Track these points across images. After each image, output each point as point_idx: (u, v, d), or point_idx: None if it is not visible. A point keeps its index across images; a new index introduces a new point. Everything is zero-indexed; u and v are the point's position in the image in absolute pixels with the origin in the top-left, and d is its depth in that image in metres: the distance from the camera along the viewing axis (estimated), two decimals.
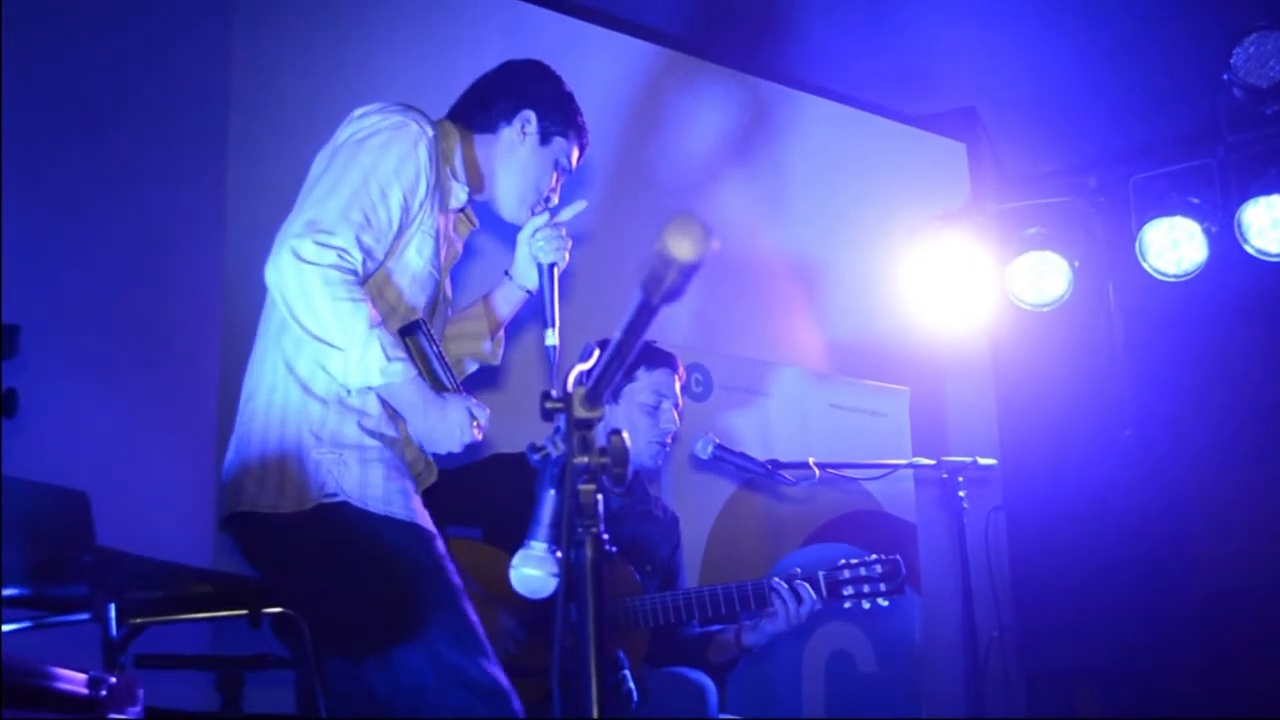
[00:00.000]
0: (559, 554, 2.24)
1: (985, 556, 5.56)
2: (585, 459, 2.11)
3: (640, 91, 5.58)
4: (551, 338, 3.12)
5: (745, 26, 5.88)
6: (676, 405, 4.20)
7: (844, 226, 6.03)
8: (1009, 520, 6.16)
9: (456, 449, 3.01)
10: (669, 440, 4.20)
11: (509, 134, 3.28)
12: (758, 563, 5.13)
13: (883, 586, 4.10)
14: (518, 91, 3.31)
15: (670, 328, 5.22)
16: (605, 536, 2.13)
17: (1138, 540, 6.03)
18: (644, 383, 4.14)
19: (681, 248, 1.66)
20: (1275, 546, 5.91)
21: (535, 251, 3.25)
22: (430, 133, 3.05)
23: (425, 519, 2.98)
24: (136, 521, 3.88)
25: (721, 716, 3.99)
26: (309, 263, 2.80)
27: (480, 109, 3.32)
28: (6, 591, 2.89)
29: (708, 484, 5.14)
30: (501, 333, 3.44)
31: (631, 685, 3.67)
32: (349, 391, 2.92)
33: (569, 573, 2.16)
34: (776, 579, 4.03)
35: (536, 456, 2.30)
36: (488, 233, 3.55)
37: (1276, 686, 5.71)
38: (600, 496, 2.14)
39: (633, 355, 1.97)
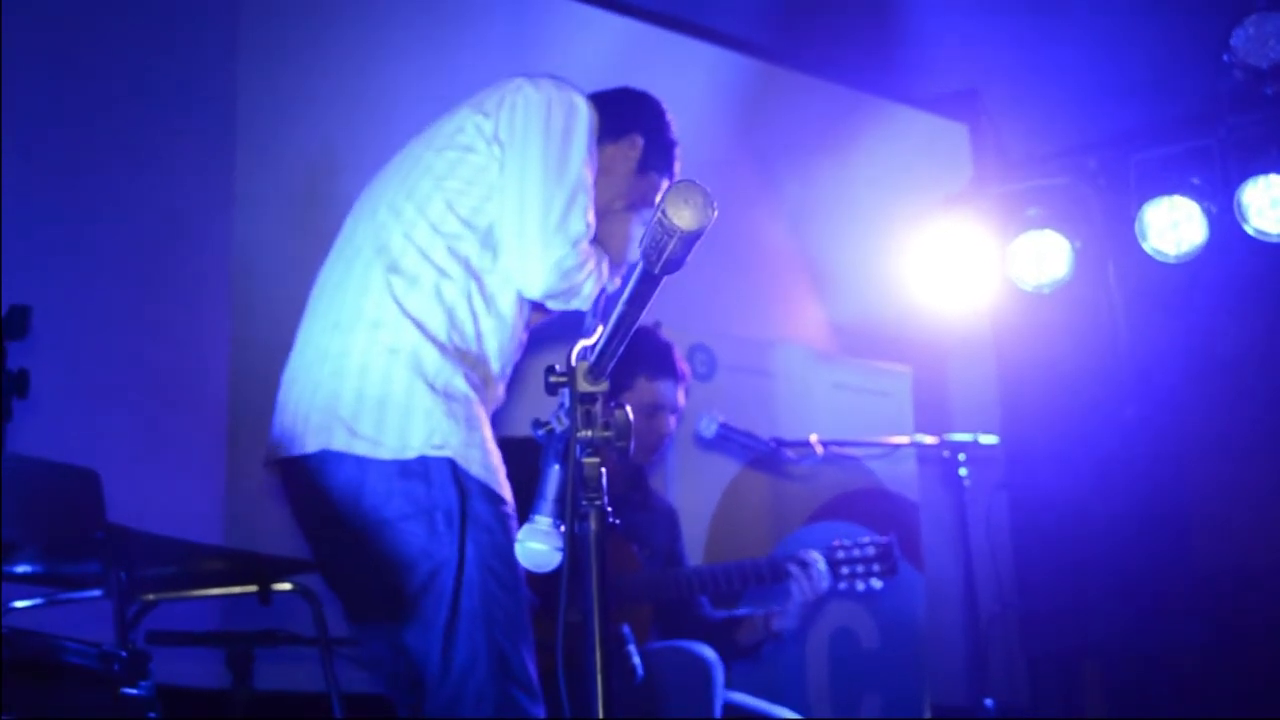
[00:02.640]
0: (564, 528, 2.27)
1: (987, 535, 5.59)
2: (589, 433, 2.15)
3: (639, 73, 5.58)
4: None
5: (746, 8, 5.90)
6: (675, 412, 4.19)
7: (847, 208, 6.05)
8: (1011, 499, 6.19)
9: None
10: (662, 447, 4.20)
11: (613, 150, 3.22)
12: (762, 540, 5.18)
13: (876, 568, 4.12)
14: (632, 115, 3.29)
15: (675, 308, 5.24)
16: (609, 509, 2.17)
17: (1139, 519, 6.06)
18: (647, 387, 4.09)
19: (683, 216, 1.67)
20: (1277, 522, 5.93)
21: None
22: (593, 115, 3.05)
23: (507, 485, 2.90)
24: (148, 499, 3.93)
25: (729, 694, 4.03)
26: (568, 274, 2.90)
27: (599, 114, 3.21)
28: (20, 569, 2.94)
29: (712, 463, 5.17)
30: None
31: (636, 661, 3.72)
32: (477, 337, 2.91)
33: (573, 546, 2.20)
34: (783, 559, 4.06)
35: (541, 431, 2.33)
36: None
37: (1275, 665, 5.74)
38: (604, 470, 2.18)
39: (635, 324, 1.99)
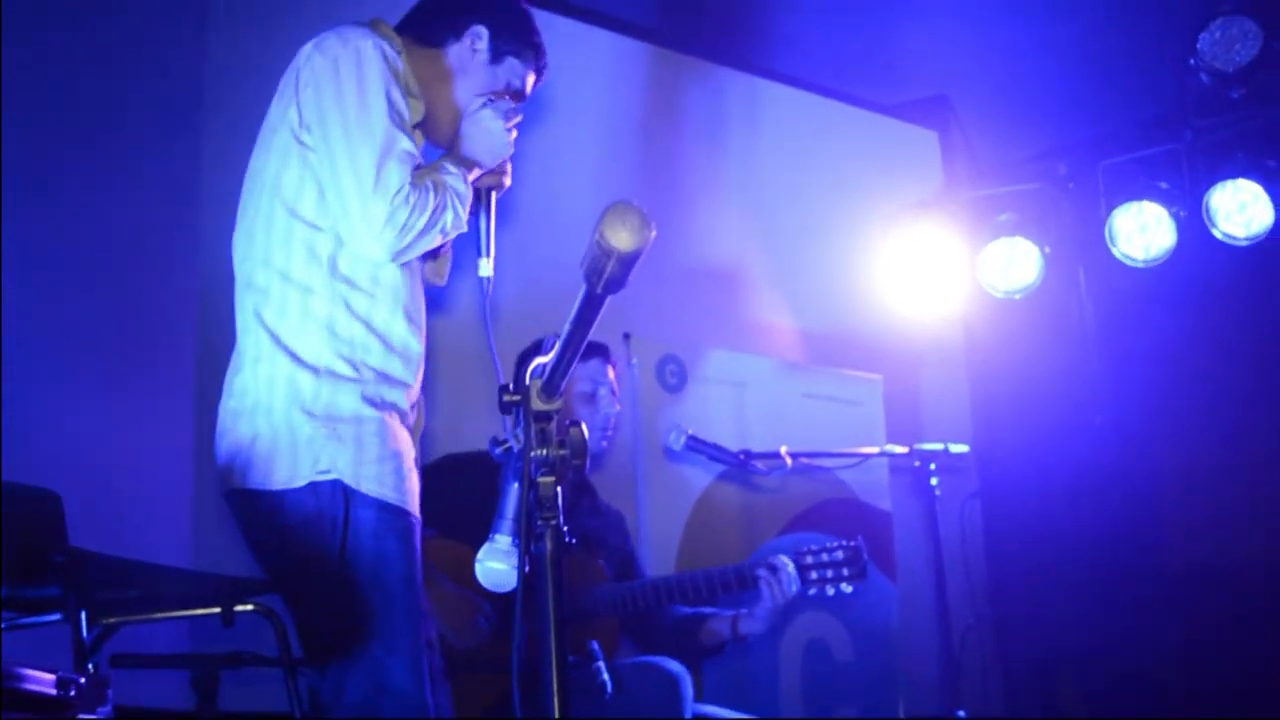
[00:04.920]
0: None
1: (960, 543, 5.60)
2: (544, 451, 2.14)
3: (611, 83, 5.59)
4: (485, 268, 2.95)
5: (716, 16, 5.90)
6: (613, 391, 4.20)
7: (817, 215, 6.05)
8: (984, 507, 6.19)
9: (509, 153, 3.02)
10: (611, 425, 4.21)
11: (457, 50, 3.09)
12: (735, 552, 5.15)
13: (845, 572, 4.12)
14: (469, 4, 3.11)
15: (645, 319, 5.24)
16: (565, 529, 2.16)
17: (1112, 525, 6.07)
18: (578, 373, 4.09)
19: (620, 237, 1.66)
20: (1249, 529, 5.94)
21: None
22: (389, 43, 2.91)
23: (414, 500, 2.86)
24: (113, 520, 3.90)
25: (699, 706, 4.02)
26: (407, 226, 2.78)
27: (427, 21, 3.12)
28: None
29: (683, 475, 5.16)
30: (448, 251, 3.18)
31: (606, 677, 3.70)
32: (347, 359, 2.82)
33: (531, 566, 2.19)
34: (751, 564, 4.06)
35: (498, 450, 2.33)
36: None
37: (1254, 670, 5.74)
38: (560, 489, 2.17)
39: (584, 345, 1.98)
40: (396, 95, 2.86)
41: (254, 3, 4.67)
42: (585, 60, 5.37)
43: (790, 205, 5.99)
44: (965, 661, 5.55)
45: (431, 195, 2.81)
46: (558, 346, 1.98)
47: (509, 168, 3.08)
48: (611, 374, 4.22)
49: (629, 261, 1.70)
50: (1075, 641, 6.08)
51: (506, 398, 2.11)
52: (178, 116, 4.44)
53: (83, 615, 2.79)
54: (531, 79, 3.16)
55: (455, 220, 2.87)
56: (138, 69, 4.40)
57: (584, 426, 2.17)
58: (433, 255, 3.11)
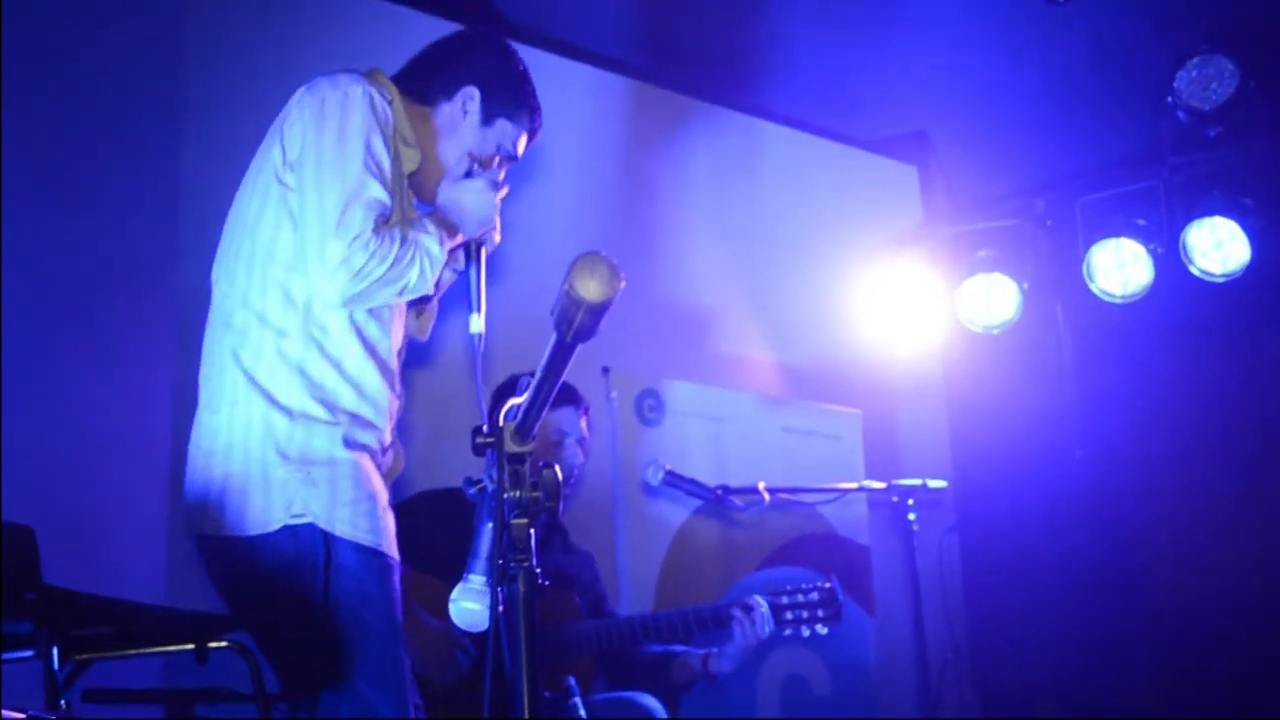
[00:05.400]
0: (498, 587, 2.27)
1: (939, 578, 5.61)
2: (517, 493, 2.15)
3: (594, 117, 5.61)
4: (476, 324, 2.86)
5: (697, 53, 5.92)
6: (582, 442, 4.17)
7: (796, 250, 6.06)
8: (962, 542, 6.20)
9: (493, 225, 2.98)
10: (574, 478, 4.20)
11: (448, 110, 3.07)
12: (713, 587, 5.16)
13: (820, 613, 4.13)
14: (464, 64, 3.09)
15: (623, 353, 5.25)
16: (538, 570, 2.16)
17: (1090, 560, 6.08)
18: (548, 419, 4.06)
19: (589, 288, 1.67)
20: (1228, 563, 5.96)
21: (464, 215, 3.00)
22: (380, 91, 2.91)
23: (390, 541, 2.85)
24: (87, 555, 3.89)
25: None
26: (362, 272, 2.74)
27: (422, 78, 3.10)
28: None
29: (661, 509, 5.16)
30: (432, 307, 3.19)
31: (582, 712, 3.71)
32: (320, 402, 2.81)
33: (505, 608, 2.19)
34: (727, 604, 4.07)
35: (473, 490, 2.33)
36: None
37: (1232, 703, 5.76)
38: (533, 531, 2.18)
39: (555, 391, 2.00)
40: (377, 143, 2.84)
41: (230, 39, 4.67)
42: (568, 95, 5.38)
43: (770, 240, 6.01)
44: (943, 695, 5.54)
45: (395, 247, 2.78)
46: (529, 393, 1.99)
47: (498, 224, 3.04)
48: (583, 424, 4.19)
49: (598, 312, 1.71)
50: (1053, 676, 6.08)
51: (480, 439, 2.12)
52: (156, 146, 4.44)
53: (55, 652, 2.77)
54: (524, 140, 3.15)
55: (420, 279, 2.83)
56: (117, 90, 4.39)
57: (557, 469, 2.17)
58: (418, 309, 3.12)
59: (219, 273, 2.97)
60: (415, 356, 3.50)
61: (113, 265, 4.29)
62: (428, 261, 2.82)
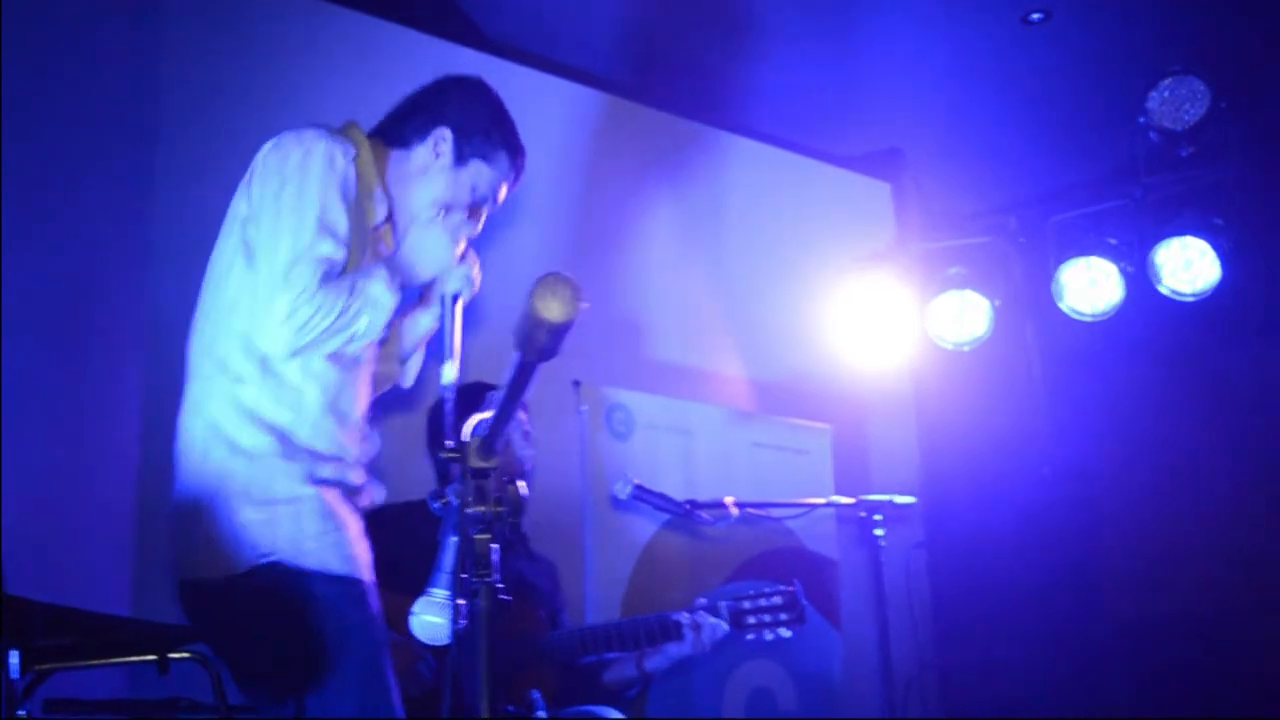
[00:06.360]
0: (460, 601, 2.27)
1: (906, 593, 5.62)
2: (481, 508, 2.15)
3: (568, 132, 5.62)
4: (448, 374, 2.85)
5: (674, 69, 5.93)
6: (526, 435, 4.18)
7: (769, 266, 6.08)
8: (930, 557, 6.22)
9: (449, 267, 3.01)
10: (528, 470, 4.18)
11: (421, 152, 3.09)
12: (680, 601, 5.11)
13: (783, 616, 4.13)
14: (438, 106, 3.12)
15: (593, 367, 5.26)
16: (500, 585, 2.17)
17: (1057, 576, 6.11)
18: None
19: (550, 309, 1.68)
20: (1192, 581, 5.99)
21: (442, 280, 3.04)
22: (343, 148, 2.93)
23: (361, 566, 2.87)
24: (53, 566, 3.87)
25: None
26: (306, 326, 2.78)
27: (398, 121, 3.13)
28: None
29: (629, 523, 5.17)
30: (418, 353, 3.23)
31: None
32: (280, 437, 2.84)
33: (466, 622, 2.19)
34: (682, 611, 4.07)
35: (438, 504, 2.33)
36: None
37: (1196, 716, 5.79)
38: (495, 545, 2.18)
39: (518, 408, 2.00)
40: (333, 200, 2.87)
41: (206, 57, 4.65)
42: (541, 108, 5.38)
43: (743, 255, 6.02)
44: (908, 710, 5.55)
45: (341, 300, 2.81)
46: (494, 412, 1.99)
47: (477, 273, 3.07)
48: (523, 416, 4.20)
49: (559, 332, 1.72)
50: (1019, 690, 6.10)
51: (444, 454, 2.12)
52: (129, 163, 4.42)
53: (15, 661, 2.76)
54: (504, 184, 3.15)
55: (369, 328, 2.87)
56: (92, 108, 4.38)
57: (520, 485, 2.18)
58: (399, 356, 3.18)
59: (194, 330, 3.01)
60: (400, 401, 3.51)
61: (84, 281, 4.28)
62: (375, 311, 2.86)
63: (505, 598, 2.18)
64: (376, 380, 3.19)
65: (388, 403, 3.34)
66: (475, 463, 2.11)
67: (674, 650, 4.06)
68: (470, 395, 2.50)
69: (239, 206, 2.95)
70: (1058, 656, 6.08)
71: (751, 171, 6.21)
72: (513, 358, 1.83)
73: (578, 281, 1.66)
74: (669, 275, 5.75)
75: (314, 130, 2.94)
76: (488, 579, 2.14)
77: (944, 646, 6.19)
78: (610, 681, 4.17)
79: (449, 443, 2.11)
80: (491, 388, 2.53)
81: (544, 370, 4.18)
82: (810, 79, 6.03)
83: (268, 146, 2.95)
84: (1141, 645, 6.05)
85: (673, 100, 6.03)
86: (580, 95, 5.70)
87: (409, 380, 3.26)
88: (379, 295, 2.87)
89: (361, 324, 2.85)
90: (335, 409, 2.92)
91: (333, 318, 2.80)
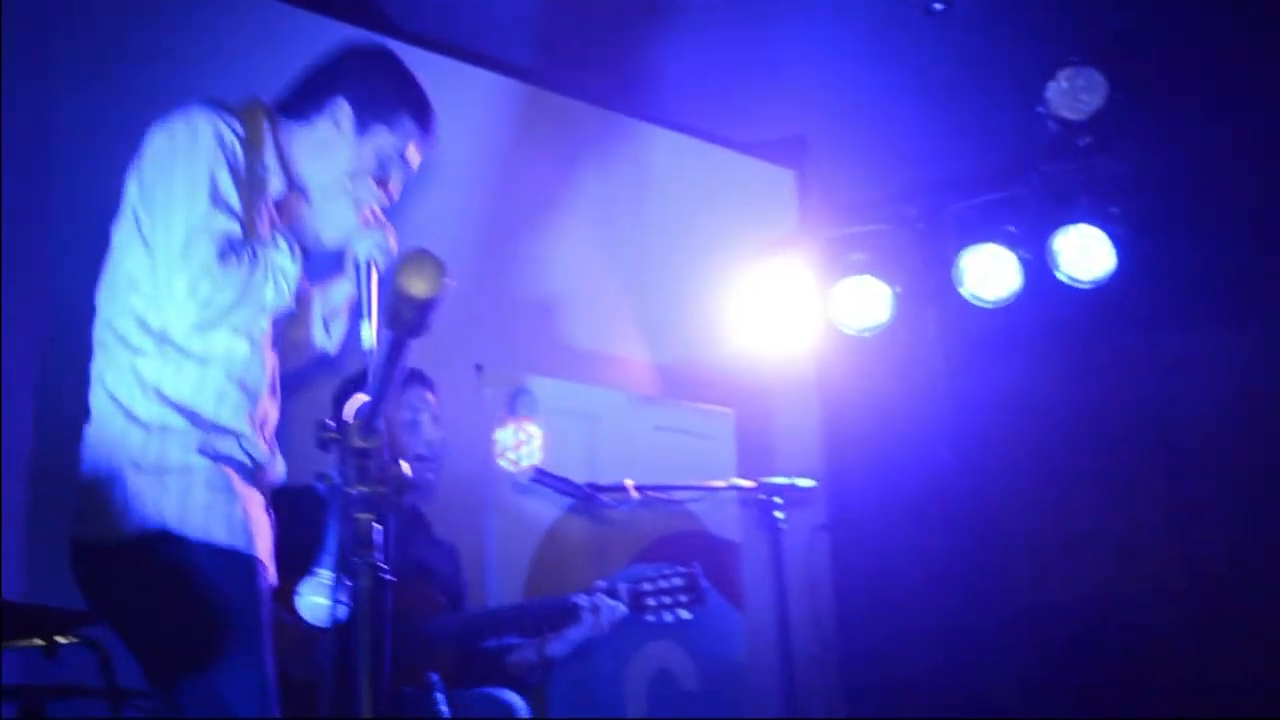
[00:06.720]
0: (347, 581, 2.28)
1: (808, 575, 5.67)
2: (364, 488, 2.16)
3: (473, 116, 5.60)
4: (369, 337, 2.80)
5: (580, 55, 5.93)
6: (435, 418, 4.19)
7: (675, 251, 6.10)
8: (833, 540, 6.28)
9: (353, 234, 3.01)
10: (436, 452, 4.17)
11: (322, 124, 3.08)
12: (582, 584, 5.15)
13: (683, 598, 4.15)
14: (336, 78, 3.10)
15: (497, 350, 5.26)
16: (383, 566, 2.18)
17: (957, 559, 6.19)
18: (399, 403, 4.08)
19: (415, 285, 1.69)
20: (1088, 564, 6.10)
21: (353, 246, 3.02)
22: (227, 121, 2.93)
23: (253, 542, 2.87)
24: None
25: None
26: (208, 300, 2.80)
27: (298, 96, 3.12)
28: None
29: (532, 507, 5.17)
30: (339, 320, 3.24)
31: (444, 708, 3.71)
32: (179, 410, 2.86)
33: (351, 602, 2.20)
34: (580, 594, 4.09)
35: (323, 485, 2.34)
36: None
37: (1094, 699, 5.89)
38: (381, 525, 2.19)
39: (394, 386, 2.01)
40: (223, 175, 2.88)
41: (102, 40, 4.60)
42: (444, 93, 5.34)
43: (647, 240, 6.04)
44: (810, 690, 5.60)
45: (244, 270, 2.83)
46: (371, 389, 2.00)
47: (393, 241, 3.04)
48: (431, 398, 4.20)
49: (425, 308, 1.73)
50: (917, 671, 6.19)
51: (325, 435, 2.13)
52: (26, 151, 4.37)
53: None
54: (411, 144, 3.13)
55: (277, 295, 2.89)
56: None
57: (405, 465, 2.19)
58: (326, 323, 3.21)
59: (98, 298, 3.03)
60: (328, 368, 3.52)
61: None
62: (281, 278, 2.89)
63: (389, 578, 2.19)
64: (296, 349, 3.24)
65: (313, 371, 3.37)
66: (357, 443, 2.11)
67: (574, 634, 4.07)
68: (361, 380, 2.51)
69: (131, 189, 2.97)
70: (957, 637, 6.16)
71: (658, 158, 6.22)
72: (383, 336, 1.84)
73: (442, 259, 1.68)
74: (575, 260, 5.76)
75: (200, 108, 2.95)
76: (370, 559, 2.14)
77: (846, 627, 6.25)
78: (512, 666, 4.17)
79: (329, 423, 2.11)
80: None
81: (447, 354, 4.23)
82: (717, 66, 6.05)
83: (155, 127, 2.96)
84: (1039, 627, 6.15)
85: (581, 87, 6.03)
86: (485, 80, 5.68)
87: (334, 347, 3.27)
88: (283, 263, 2.89)
89: (268, 293, 2.87)
90: (239, 381, 2.94)
91: (236, 290, 2.81)
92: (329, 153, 3.08)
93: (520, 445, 4.44)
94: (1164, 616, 6.01)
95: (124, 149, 3.05)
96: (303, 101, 3.12)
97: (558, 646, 4.09)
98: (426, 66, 5.22)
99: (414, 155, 3.16)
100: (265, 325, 2.99)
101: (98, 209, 3.10)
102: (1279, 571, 5.78)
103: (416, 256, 1.69)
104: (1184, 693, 5.78)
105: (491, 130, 5.68)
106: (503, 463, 4.47)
